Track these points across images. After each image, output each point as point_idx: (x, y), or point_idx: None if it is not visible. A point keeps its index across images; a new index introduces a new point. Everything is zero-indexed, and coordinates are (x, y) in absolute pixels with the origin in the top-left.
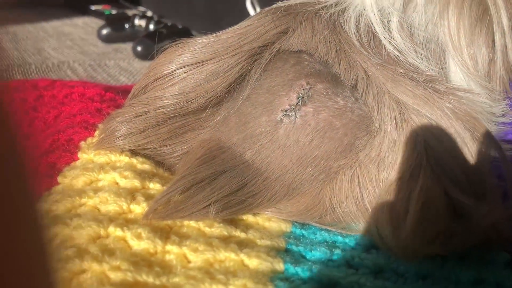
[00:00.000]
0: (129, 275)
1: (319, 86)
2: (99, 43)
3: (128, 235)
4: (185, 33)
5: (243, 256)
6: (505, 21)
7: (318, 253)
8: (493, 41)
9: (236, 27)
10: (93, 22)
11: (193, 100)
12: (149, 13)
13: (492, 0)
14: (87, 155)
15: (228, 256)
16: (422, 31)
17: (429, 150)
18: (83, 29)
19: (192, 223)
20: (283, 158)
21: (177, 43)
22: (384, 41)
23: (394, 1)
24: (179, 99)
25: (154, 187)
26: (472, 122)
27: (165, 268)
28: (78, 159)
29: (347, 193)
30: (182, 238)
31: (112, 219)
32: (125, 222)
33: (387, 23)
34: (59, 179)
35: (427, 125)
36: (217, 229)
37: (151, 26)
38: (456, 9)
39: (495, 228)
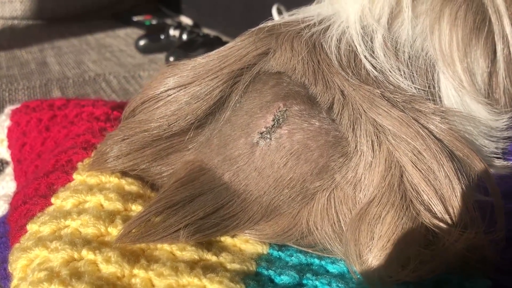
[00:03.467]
0: None
1: (295, 108)
2: (137, 54)
3: (99, 258)
4: (217, 42)
5: (205, 282)
6: (508, 29)
7: (286, 278)
8: (494, 52)
9: (221, 48)
10: (134, 33)
11: (175, 124)
12: (189, 22)
13: (493, 8)
14: (81, 176)
15: (191, 281)
16: (408, 47)
17: (404, 173)
18: (124, 40)
19: (165, 246)
20: (260, 180)
21: (170, 65)
22: (364, 61)
23: (379, 17)
24: (161, 123)
25: (136, 209)
26: (453, 142)
27: None
28: (73, 180)
29: (323, 215)
30: (151, 261)
31: (87, 243)
32: (99, 245)
33: (370, 40)
34: (53, 200)
35: (403, 147)
36: (188, 253)
37: (184, 36)
38: (449, 20)
39: (477, 253)
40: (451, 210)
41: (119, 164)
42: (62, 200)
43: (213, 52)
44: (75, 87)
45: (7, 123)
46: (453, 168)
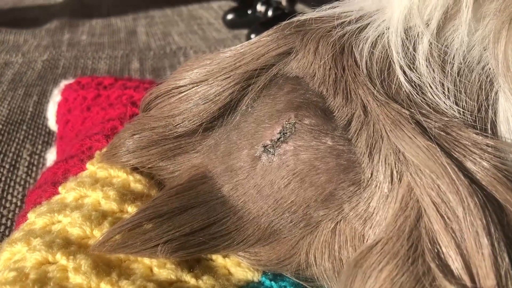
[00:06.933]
0: None
1: (306, 121)
2: (223, 29)
3: (70, 265)
4: None
5: None
6: None
7: None
8: None
9: (244, 44)
10: (227, 6)
11: (180, 124)
12: None
13: None
14: (93, 167)
15: None
16: (459, 58)
17: (422, 216)
18: (215, 13)
19: (146, 260)
20: (259, 199)
21: (195, 57)
22: (398, 71)
23: (429, 18)
24: (168, 122)
25: (132, 211)
26: (494, 185)
27: None
28: (85, 169)
29: (324, 249)
30: (122, 277)
31: (66, 245)
32: (78, 249)
33: (412, 47)
34: (60, 189)
35: (426, 184)
36: (166, 271)
37: (270, 12)
38: None
39: None
40: (473, 271)
41: (127, 160)
42: (66, 191)
43: (236, 46)
44: (154, 59)
45: (58, 98)
46: (483, 218)
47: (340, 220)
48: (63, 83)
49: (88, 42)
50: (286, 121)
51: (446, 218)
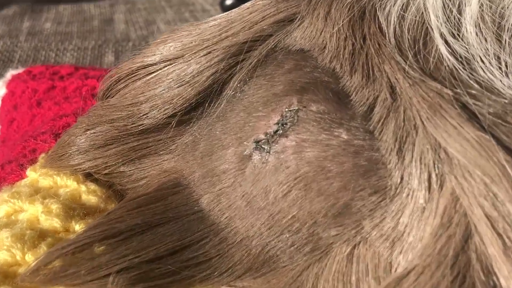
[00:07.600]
0: None
1: (314, 107)
2: None
3: None
4: None
5: None
6: None
7: None
8: None
9: (234, 10)
10: None
11: (147, 115)
12: None
13: None
14: (35, 173)
15: None
16: None
17: (472, 236)
18: None
19: None
20: (249, 213)
21: (169, 30)
22: (437, 40)
23: None
24: (131, 112)
25: (80, 230)
26: None
27: None
28: (25, 177)
29: (337, 283)
30: None
31: None
32: (3, 280)
33: (457, 9)
34: None
35: (477, 191)
36: None
37: None
38: None
39: None
40: None
41: (77, 163)
42: None
43: (223, 14)
44: (133, 51)
45: (2, 91)
46: None
47: (359, 243)
48: (10, 73)
49: (52, 31)
50: (287, 107)
51: (505, 238)
